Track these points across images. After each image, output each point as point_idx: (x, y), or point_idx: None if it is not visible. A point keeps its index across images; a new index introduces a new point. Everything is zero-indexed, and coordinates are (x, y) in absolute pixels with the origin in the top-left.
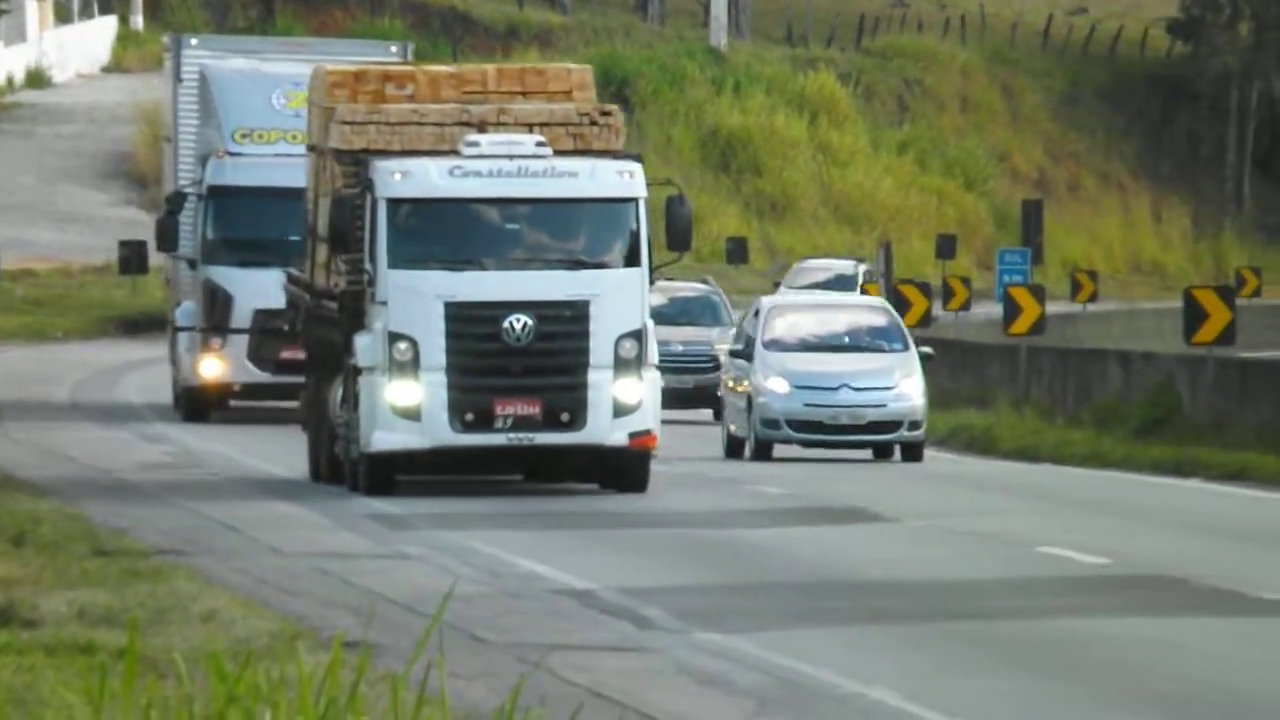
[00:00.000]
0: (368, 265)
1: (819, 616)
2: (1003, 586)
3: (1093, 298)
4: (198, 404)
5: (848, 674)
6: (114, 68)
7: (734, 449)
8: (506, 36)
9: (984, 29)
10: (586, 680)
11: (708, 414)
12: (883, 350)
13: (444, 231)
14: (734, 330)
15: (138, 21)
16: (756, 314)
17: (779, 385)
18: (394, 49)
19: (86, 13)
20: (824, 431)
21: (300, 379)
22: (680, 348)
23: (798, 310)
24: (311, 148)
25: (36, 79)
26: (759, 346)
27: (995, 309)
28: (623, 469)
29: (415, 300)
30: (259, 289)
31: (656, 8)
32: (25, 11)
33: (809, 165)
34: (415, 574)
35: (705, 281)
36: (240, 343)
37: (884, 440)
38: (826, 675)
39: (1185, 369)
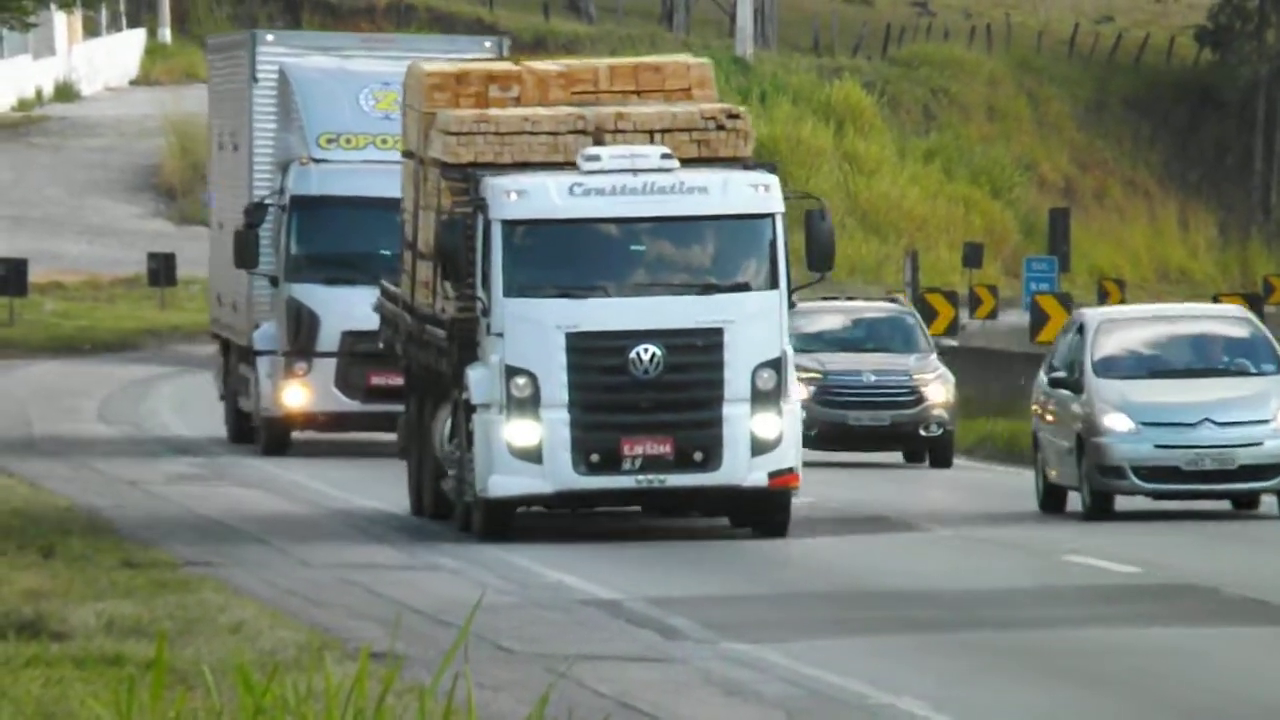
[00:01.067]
0: (480, 292)
1: (850, 626)
2: (1031, 596)
3: (1121, 303)
4: (279, 435)
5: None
6: (142, 80)
7: (1053, 501)
8: (534, 47)
9: (1010, 37)
10: (613, 690)
11: (895, 456)
12: (1248, 373)
13: (564, 255)
14: (928, 354)
15: (165, 35)
16: (1080, 330)
17: (1120, 422)
18: (488, 44)
19: (114, 26)
20: (1181, 480)
21: (390, 407)
22: (873, 378)
23: (1135, 324)
24: (408, 154)
25: (65, 92)
26: (1088, 372)
27: (1023, 317)
28: (761, 511)
29: (534, 331)
30: (347, 309)
31: (682, 17)
32: (53, 25)
33: (835, 174)
34: (444, 585)
35: (894, 299)
36: (325, 369)
37: (1258, 489)
38: (854, 685)
39: None
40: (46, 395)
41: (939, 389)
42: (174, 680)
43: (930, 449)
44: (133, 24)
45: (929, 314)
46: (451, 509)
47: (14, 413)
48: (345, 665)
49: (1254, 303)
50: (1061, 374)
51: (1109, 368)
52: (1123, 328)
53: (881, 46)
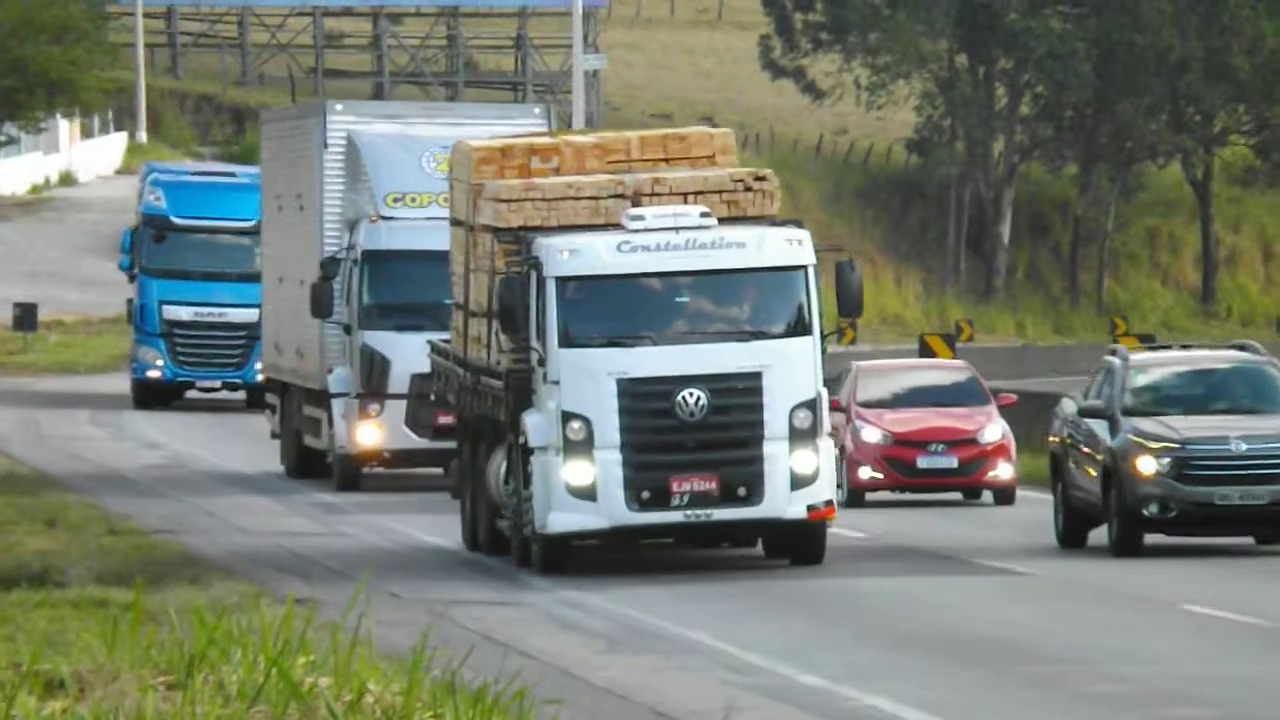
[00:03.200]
0: (535, 343)
1: (653, 568)
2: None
3: (853, 341)
4: (352, 471)
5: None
6: (124, 170)
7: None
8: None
9: (773, 144)
10: (479, 627)
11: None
12: None
13: (613, 307)
14: None
15: (142, 136)
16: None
17: None
18: (537, 111)
19: (104, 130)
20: None
21: (452, 444)
22: (1243, 446)
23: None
24: (457, 221)
25: (67, 179)
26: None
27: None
28: (799, 542)
29: (587, 379)
30: (416, 354)
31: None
32: (59, 129)
33: None
34: (348, 545)
35: (1244, 347)
36: (395, 409)
37: None
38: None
39: None
40: (52, 404)
41: None
42: (147, 618)
43: None
44: (118, 128)
45: None
46: (508, 545)
47: (27, 418)
48: (276, 609)
49: (949, 340)
50: None
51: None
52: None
53: None
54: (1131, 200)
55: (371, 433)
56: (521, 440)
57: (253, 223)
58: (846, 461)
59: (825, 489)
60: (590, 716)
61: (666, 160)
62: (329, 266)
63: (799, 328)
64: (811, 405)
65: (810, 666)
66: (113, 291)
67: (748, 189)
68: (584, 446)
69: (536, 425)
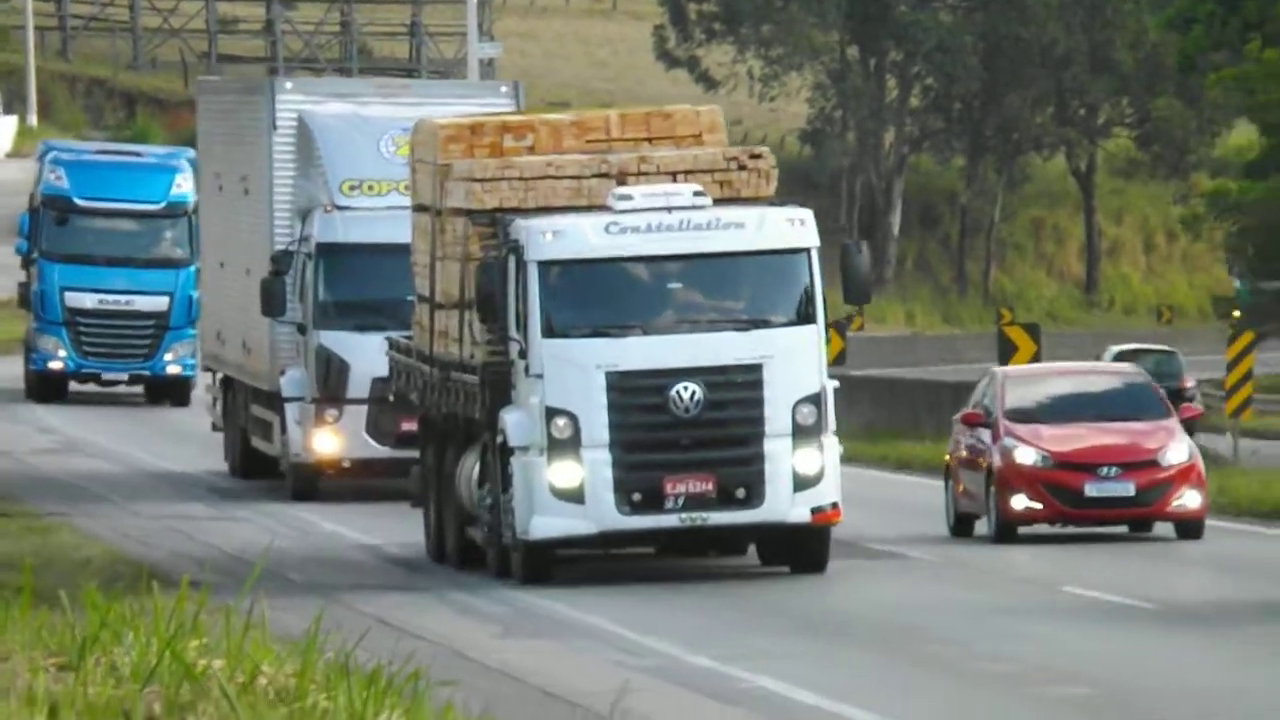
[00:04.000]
0: (515, 334)
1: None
2: None
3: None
4: (309, 481)
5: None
6: (15, 154)
7: None
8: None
9: None
10: (374, 611)
11: None
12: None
13: (601, 294)
14: None
15: (32, 120)
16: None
17: None
18: (504, 89)
19: None
20: None
21: (416, 453)
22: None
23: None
24: (421, 207)
25: None
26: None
27: None
28: (801, 546)
29: (573, 372)
30: (377, 356)
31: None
32: None
33: None
34: (244, 531)
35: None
36: (355, 415)
37: None
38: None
39: None
40: None
41: None
42: (38, 601)
43: None
44: (8, 112)
45: None
46: (480, 555)
47: None
48: (170, 590)
49: (840, 328)
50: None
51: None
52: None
53: None
54: (1017, 191)
55: (329, 440)
56: (500, 439)
57: (161, 205)
58: (996, 487)
59: (830, 490)
60: (485, 698)
61: (650, 139)
62: (280, 260)
63: (802, 316)
64: (816, 400)
65: (703, 649)
66: (4, 277)
67: (742, 167)
68: (570, 445)
69: (517, 423)
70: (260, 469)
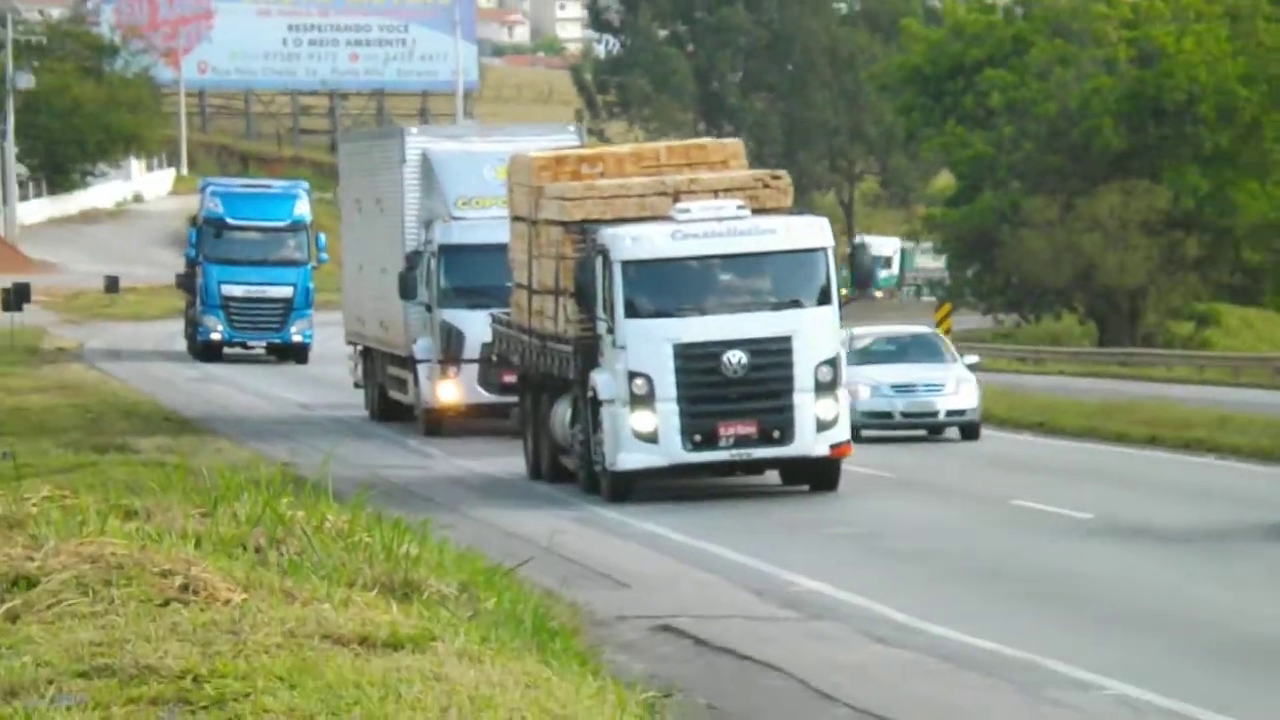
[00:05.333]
0: (602, 315)
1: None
2: None
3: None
4: (435, 420)
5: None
6: (173, 193)
7: None
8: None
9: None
10: (401, 481)
11: None
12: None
13: (669, 285)
14: None
15: (184, 170)
16: None
17: None
18: (571, 129)
19: (160, 167)
20: None
21: (514, 399)
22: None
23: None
24: (518, 218)
25: (137, 199)
26: None
27: None
28: (821, 473)
29: (648, 344)
30: (483, 327)
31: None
32: (131, 166)
33: None
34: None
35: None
36: (468, 371)
37: None
38: None
39: None
40: (136, 341)
41: None
42: (189, 472)
43: None
44: (169, 165)
45: None
46: (570, 476)
47: (139, 368)
48: (269, 467)
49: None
50: None
51: None
52: None
53: None
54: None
55: (451, 390)
56: (590, 394)
57: (287, 222)
58: None
59: (843, 430)
60: (471, 536)
61: (689, 165)
62: (413, 259)
63: (822, 299)
64: (832, 362)
65: (617, 507)
66: (166, 270)
67: (765, 186)
68: (647, 399)
69: (605, 382)
70: (394, 415)
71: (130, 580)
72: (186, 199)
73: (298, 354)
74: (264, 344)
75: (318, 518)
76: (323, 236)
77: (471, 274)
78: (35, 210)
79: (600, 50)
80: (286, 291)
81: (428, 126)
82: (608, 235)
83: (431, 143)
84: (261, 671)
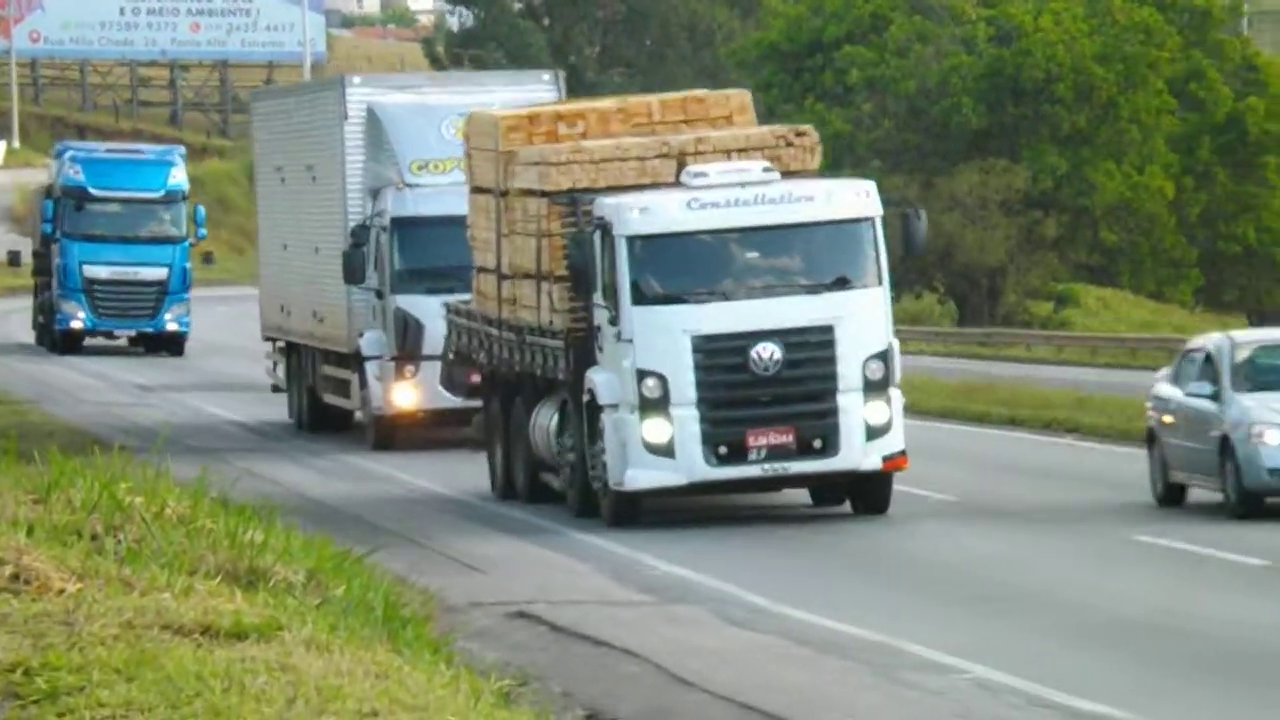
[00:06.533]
0: (602, 302)
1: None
2: None
3: None
4: (387, 431)
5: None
6: (4, 167)
7: None
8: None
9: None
10: (244, 465)
11: None
12: None
13: (685, 264)
14: None
15: (16, 144)
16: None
17: None
18: (545, 77)
19: None
20: None
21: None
22: None
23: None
24: (480, 189)
25: None
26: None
27: None
28: (868, 491)
29: (661, 336)
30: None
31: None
32: None
33: None
34: (155, 415)
35: None
36: (430, 370)
37: None
38: None
39: None
40: None
41: None
42: (22, 459)
43: None
44: (1, 138)
45: None
46: (555, 496)
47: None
48: (107, 452)
49: None
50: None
51: None
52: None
53: None
54: None
55: (408, 394)
56: (586, 397)
57: (160, 193)
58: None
59: (898, 439)
60: (315, 521)
61: (687, 122)
62: (359, 234)
63: (870, 279)
64: (883, 356)
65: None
66: None
67: (789, 144)
68: (660, 404)
69: (606, 382)
70: (325, 423)
71: None
72: (17, 172)
73: (171, 344)
74: (133, 332)
75: (158, 504)
76: (201, 210)
77: (432, 252)
78: None
79: (454, 22)
80: (160, 273)
81: (373, 76)
82: (609, 206)
83: (378, 95)
84: (97, 664)
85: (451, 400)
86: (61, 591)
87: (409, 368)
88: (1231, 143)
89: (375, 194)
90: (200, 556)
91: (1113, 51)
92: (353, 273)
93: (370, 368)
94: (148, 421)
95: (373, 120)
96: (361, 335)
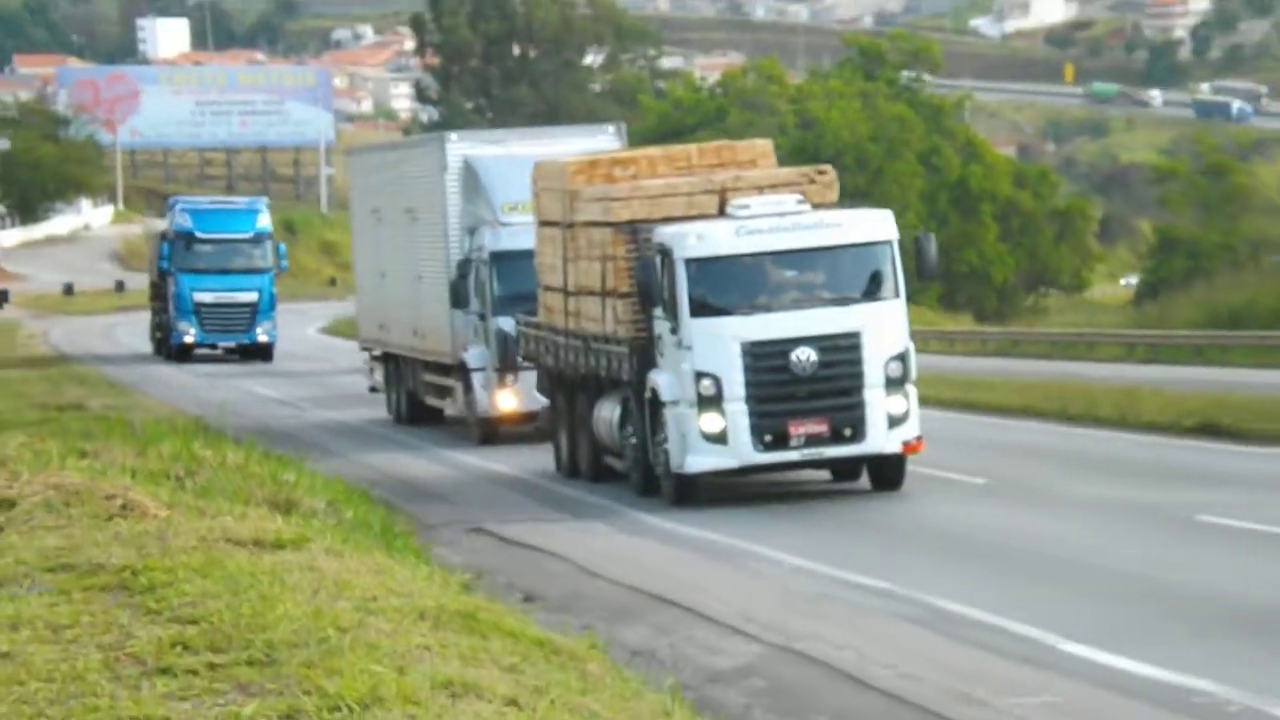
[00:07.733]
0: (661, 314)
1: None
2: None
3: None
4: (491, 430)
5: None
6: (114, 223)
7: None
8: None
9: None
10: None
11: None
12: None
13: (734, 282)
14: None
15: (121, 207)
16: None
17: None
18: (610, 130)
19: (102, 204)
20: None
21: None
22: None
23: None
24: (548, 223)
25: (87, 227)
26: None
27: None
28: (888, 470)
29: (715, 343)
30: None
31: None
32: (81, 204)
33: None
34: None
35: None
36: (526, 378)
37: None
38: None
39: None
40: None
41: None
42: (126, 424)
43: None
44: (109, 203)
45: None
46: (616, 477)
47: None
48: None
49: None
50: None
51: None
52: None
53: None
54: None
55: (509, 398)
56: (649, 395)
57: (250, 234)
58: None
59: (914, 426)
60: (406, 498)
61: (721, 165)
62: (464, 266)
63: (889, 292)
64: (902, 357)
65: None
66: (108, 279)
67: (811, 181)
68: (715, 400)
69: (667, 382)
70: (422, 419)
71: (84, 502)
72: (123, 227)
73: (263, 353)
74: (233, 344)
75: (221, 455)
76: (283, 246)
77: (523, 280)
78: (11, 237)
79: (424, 117)
80: (252, 296)
81: (466, 132)
82: (669, 234)
83: (473, 148)
84: (180, 566)
85: (544, 402)
86: (156, 516)
87: (509, 376)
88: (960, 196)
89: (472, 232)
90: (251, 491)
91: (880, 133)
92: (459, 299)
93: (476, 378)
94: (275, 423)
95: (468, 169)
96: (466, 350)
